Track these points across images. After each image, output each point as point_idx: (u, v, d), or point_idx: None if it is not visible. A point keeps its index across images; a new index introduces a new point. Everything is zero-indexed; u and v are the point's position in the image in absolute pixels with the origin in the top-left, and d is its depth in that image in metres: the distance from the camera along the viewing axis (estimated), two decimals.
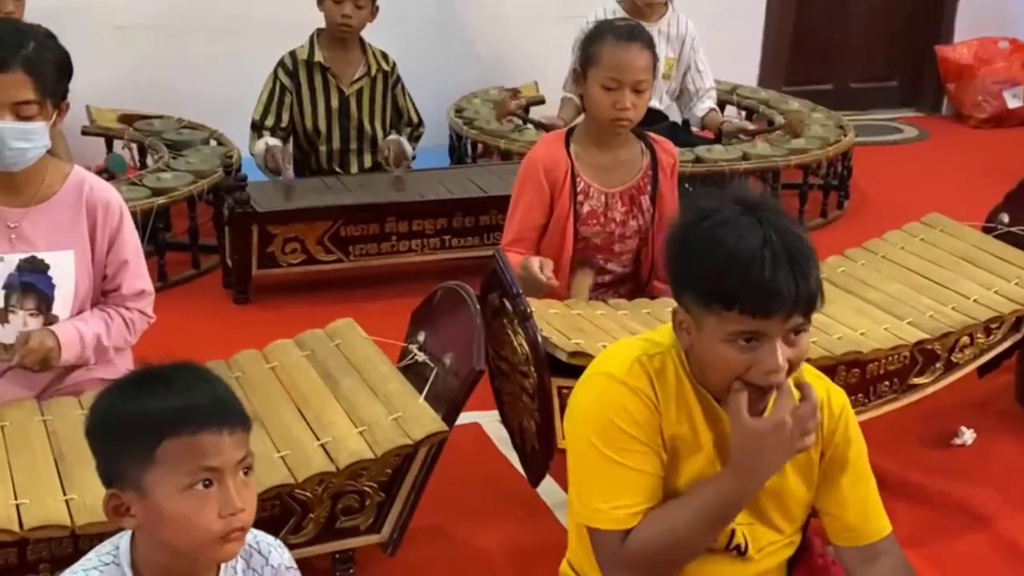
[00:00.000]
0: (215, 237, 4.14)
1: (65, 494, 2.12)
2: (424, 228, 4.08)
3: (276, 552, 1.79)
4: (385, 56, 4.45)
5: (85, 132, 4.58)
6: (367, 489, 2.40)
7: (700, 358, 1.82)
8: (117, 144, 4.61)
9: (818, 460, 1.93)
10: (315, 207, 3.93)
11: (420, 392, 2.42)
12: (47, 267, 2.53)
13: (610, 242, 3.15)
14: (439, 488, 2.54)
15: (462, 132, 4.92)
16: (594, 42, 3.03)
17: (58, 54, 2.46)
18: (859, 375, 2.80)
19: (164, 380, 1.64)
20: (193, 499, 1.57)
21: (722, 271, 1.72)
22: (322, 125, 4.33)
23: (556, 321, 2.63)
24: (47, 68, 2.41)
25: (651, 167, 3.16)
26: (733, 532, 1.90)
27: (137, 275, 2.65)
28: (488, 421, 3.17)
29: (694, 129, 5.10)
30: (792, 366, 1.78)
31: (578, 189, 3.08)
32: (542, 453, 2.58)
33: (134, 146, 4.60)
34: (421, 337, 2.57)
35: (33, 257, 2.51)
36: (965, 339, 2.95)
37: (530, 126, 4.89)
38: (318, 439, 2.31)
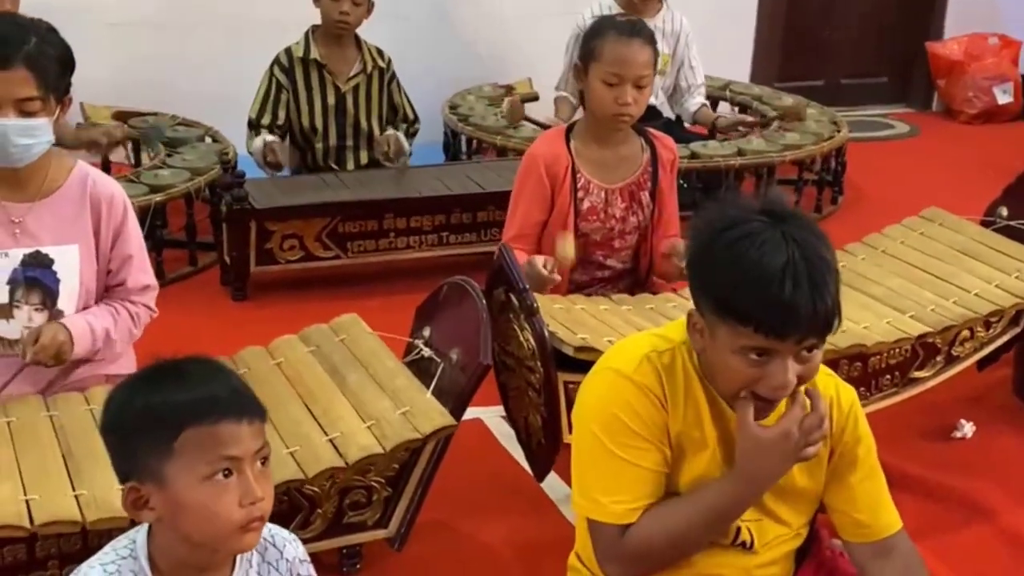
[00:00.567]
0: (212, 234, 4.13)
1: (74, 490, 2.12)
2: (422, 224, 4.08)
3: (291, 546, 1.80)
4: (381, 53, 4.44)
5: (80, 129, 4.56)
6: (374, 484, 2.40)
7: (711, 363, 1.82)
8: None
9: (827, 457, 1.93)
10: (313, 204, 3.93)
11: (427, 387, 2.42)
12: (52, 261, 2.52)
13: (610, 238, 3.15)
14: (443, 484, 2.54)
15: (457, 129, 4.92)
16: (596, 37, 3.04)
17: (60, 49, 2.45)
18: (861, 369, 2.82)
19: (180, 373, 1.65)
20: (214, 488, 1.58)
21: (741, 287, 1.70)
22: (318, 122, 4.33)
23: (561, 316, 2.64)
24: (49, 64, 2.41)
25: (651, 163, 3.17)
26: (739, 529, 1.91)
27: (142, 269, 2.65)
28: (490, 417, 3.17)
29: (686, 125, 5.12)
30: (801, 381, 1.78)
31: (578, 185, 3.09)
32: (548, 448, 2.59)
33: (129, 143, 4.58)
34: (427, 332, 2.57)
35: (38, 252, 2.51)
36: (965, 333, 2.96)
37: (526, 123, 4.90)
38: (326, 434, 2.31)
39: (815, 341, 1.74)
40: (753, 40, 6.52)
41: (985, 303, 2.93)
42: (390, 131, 4.40)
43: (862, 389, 2.82)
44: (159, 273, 3.92)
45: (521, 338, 2.54)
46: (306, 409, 2.40)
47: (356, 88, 4.35)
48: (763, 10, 6.49)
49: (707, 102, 5.10)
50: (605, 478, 1.85)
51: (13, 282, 2.51)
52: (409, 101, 4.54)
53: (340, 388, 2.46)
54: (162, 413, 1.59)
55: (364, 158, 4.44)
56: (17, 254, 2.50)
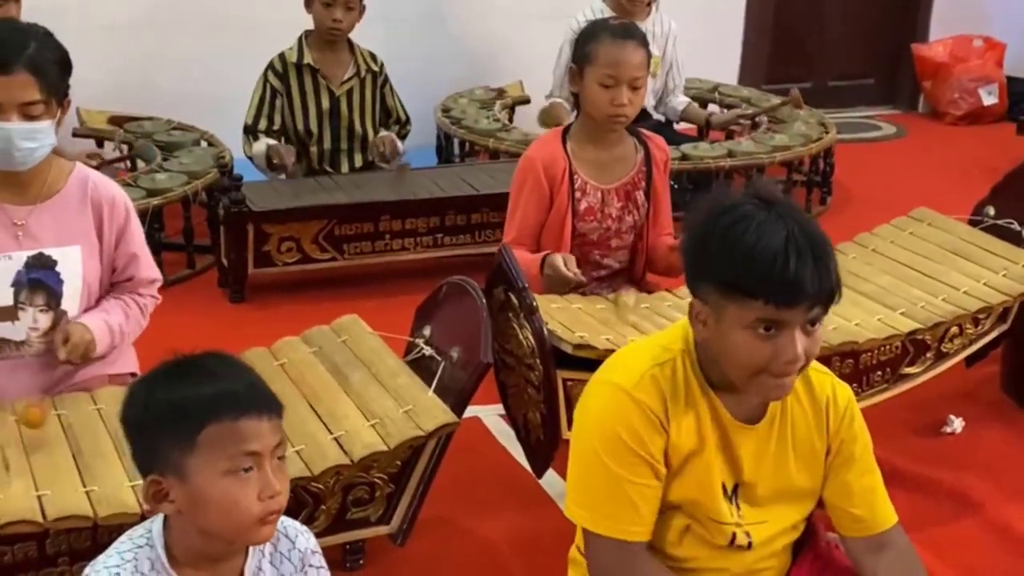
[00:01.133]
0: (209, 237, 4.16)
1: (85, 487, 2.15)
2: (417, 227, 4.12)
3: (303, 537, 1.84)
4: (373, 56, 4.49)
5: (76, 134, 4.60)
6: (377, 481, 2.44)
7: (718, 350, 1.84)
8: (108, 145, 4.63)
9: (824, 455, 1.97)
10: (310, 206, 3.97)
11: (428, 385, 2.46)
12: (54, 263, 2.55)
13: (606, 237, 3.20)
14: (443, 481, 2.58)
15: (450, 131, 4.97)
16: (590, 40, 3.08)
17: (58, 52, 2.48)
18: (852, 365, 2.87)
19: (201, 369, 1.70)
20: (234, 483, 1.63)
21: (746, 265, 1.74)
22: (313, 126, 4.37)
23: (559, 315, 2.68)
24: (50, 67, 2.43)
25: (645, 163, 3.21)
26: (735, 535, 1.93)
27: (147, 265, 2.70)
28: (488, 415, 3.22)
29: (673, 123, 5.17)
30: (808, 358, 1.81)
31: (576, 186, 3.13)
32: (547, 444, 2.63)
33: (124, 147, 4.61)
34: (427, 331, 2.62)
35: (40, 254, 2.54)
36: (954, 329, 3.02)
37: (517, 126, 4.95)
38: (331, 433, 2.35)
39: (820, 312, 1.78)
40: (741, 43, 6.58)
41: (974, 300, 2.99)
42: (384, 132, 4.44)
43: (854, 385, 2.87)
44: None
45: (520, 336, 2.58)
46: (310, 408, 2.44)
47: (350, 92, 4.39)
48: (751, 13, 6.55)
49: (690, 100, 5.17)
50: (603, 493, 1.88)
51: (17, 284, 2.53)
52: (401, 103, 4.59)
53: (343, 388, 2.50)
54: (184, 409, 1.63)
55: (358, 161, 4.48)
56: (20, 256, 2.53)
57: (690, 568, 1.97)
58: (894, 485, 2.81)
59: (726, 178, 4.70)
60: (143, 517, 2.08)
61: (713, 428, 1.90)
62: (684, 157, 4.59)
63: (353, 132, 4.43)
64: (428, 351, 2.57)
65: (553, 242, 3.13)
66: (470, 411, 3.03)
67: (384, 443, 2.32)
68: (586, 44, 3.09)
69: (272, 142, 4.24)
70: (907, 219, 3.39)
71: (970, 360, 3.25)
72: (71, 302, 2.58)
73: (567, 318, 2.67)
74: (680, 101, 5.06)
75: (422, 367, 2.56)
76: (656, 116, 5.07)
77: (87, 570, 1.72)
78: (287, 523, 1.83)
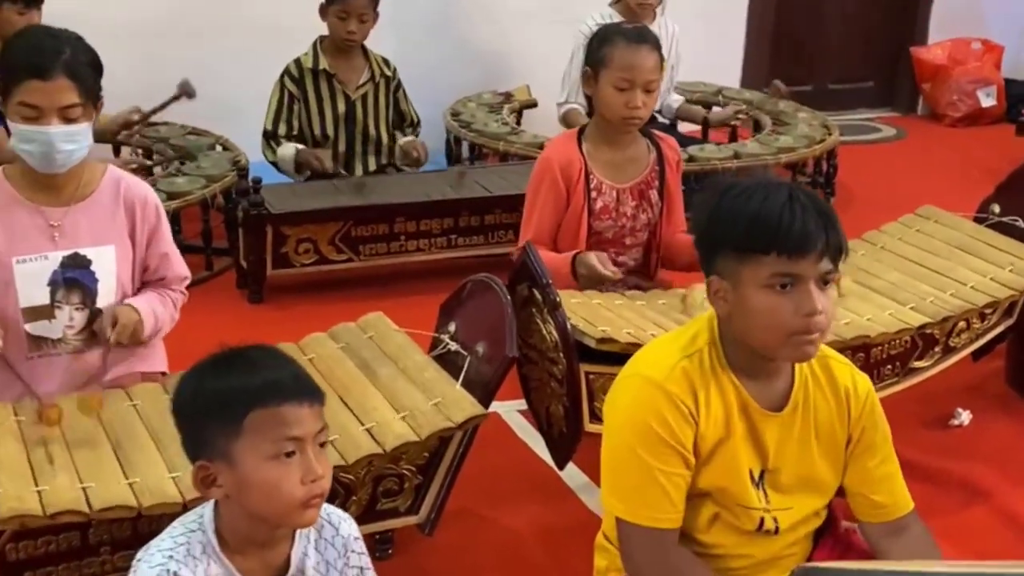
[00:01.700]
0: (227, 239, 4.23)
1: (127, 478, 2.21)
2: (431, 228, 4.20)
3: (346, 524, 1.92)
4: (387, 62, 4.57)
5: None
6: (406, 472, 2.51)
7: (741, 321, 1.90)
8: (125, 150, 4.69)
9: (844, 443, 2.04)
10: (327, 208, 4.04)
11: (456, 379, 2.53)
12: (89, 262, 2.62)
13: (621, 235, 3.27)
14: (466, 474, 2.64)
15: (460, 135, 5.04)
16: (605, 44, 3.16)
17: (91, 55, 2.55)
18: (864, 359, 2.94)
19: (247, 359, 1.78)
20: (278, 467, 1.70)
21: (754, 222, 1.84)
22: (329, 130, 4.44)
23: (580, 310, 2.75)
24: (85, 71, 2.51)
25: (658, 163, 3.29)
26: (763, 519, 2.00)
27: (178, 263, 2.78)
28: (507, 411, 3.29)
29: (666, 120, 5.25)
30: (829, 320, 1.88)
31: (591, 186, 3.20)
32: (570, 436, 2.70)
33: (140, 151, 4.68)
34: (452, 327, 2.68)
35: (76, 253, 2.60)
36: (962, 324, 3.10)
37: (525, 131, 5.03)
38: (362, 424, 2.41)
39: (830, 268, 1.86)
40: (743, 47, 6.65)
41: (981, 295, 3.06)
42: (410, 137, 4.52)
43: None
44: None
45: (544, 331, 2.65)
46: (341, 401, 2.50)
47: (364, 96, 4.47)
48: (752, 18, 6.64)
49: (683, 98, 5.27)
50: (637, 482, 1.94)
51: (53, 283, 2.60)
52: (412, 106, 4.66)
53: (372, 382, 2.56)
54: (230, 396, 1.71)
55: (372, 164, 4.56)
56: (57, 256, 2.59)
57: (717, 554, 2.04)
58: (905, 475, 2.88)
59: (704, 189, 4.79)
60: (185, 507, 2.15)
61: (740, 416, 1.97)
62: (691, 159, 4.67)
63: (368, 136, 4.51)
64: (454, 346, 2.63)
65: (569, 241, 3.20)
66: (490, 407, 3.12)
67: (415, 434, 2.38)
68: (600, 48, 3.16)
69: (301, 147, 4.32)
70: (914, 216, 3.47)
71: (977, 354, 3.33)
72: (106, 300, 2.64)
73: (588, 313, 2.75)
74: (675, 99, 5.18)
75: (447, 362, 2.63)
76: (661, 120, 5.15)
77: (140, 553, 1.79)
78: (331, 510, 1.91)
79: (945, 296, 3.04)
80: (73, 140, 2.50)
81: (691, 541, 2.03)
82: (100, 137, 2.66)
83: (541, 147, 4.69)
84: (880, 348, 2.96)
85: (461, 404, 2.45)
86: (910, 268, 3.19)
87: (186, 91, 4.30)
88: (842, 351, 2.75)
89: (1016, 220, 3.34)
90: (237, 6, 5.38)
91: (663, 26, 4.98)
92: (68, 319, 2.63)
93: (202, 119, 4.86)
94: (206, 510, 1.81)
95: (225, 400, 1.71)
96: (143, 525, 2.22)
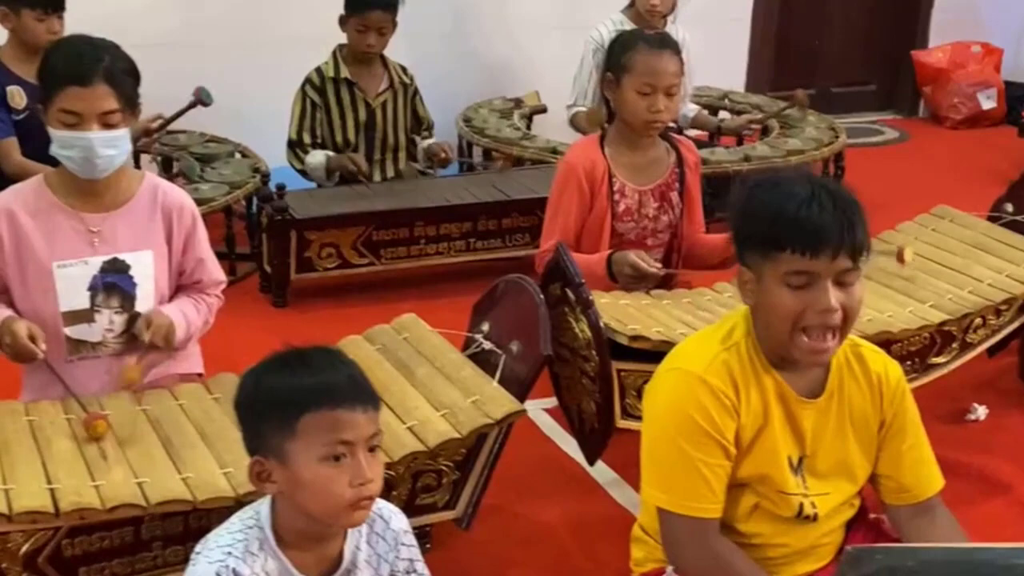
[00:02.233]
0: (249, 245, 4.30)
1: (180, 474, 2.27)
2: (451, 231, 4.27)
3: (396, 518, 1.97)
4: (404, 69, 4.63)
5: None
6: (444, 468, 2.56)
7: (763, 313, 1.97)
8: (144, 158, 4.75)
9: (877, 429, 2.10)
10: (350, 213, 4.10)
11: (492, 377, 2.59)
12: (128, 267, 2.67)
13: (643, 237, 3.33)
14: (497, 470, 2.68)
15: (473, 140, 5.11)
16: (627, 50, 3.22)
17: (129, 62, 2.61)
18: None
19: (305, 360, 1.83)
20: (328, 468, 1.75)
21: (773, 217, 1.91)
22: (351, 137, 4.50)
23: (609, 310, 2.82)
24: (124, 78, 2.57)
25: (677, 165, 3.36)
26: (802, 504, 2.06)
27: (214, 268, 2.83)
28: (534, 408, 3.35)
29: (683, 129, 5.32)
30: (846, 314, 1.93)
31: (614, 188, 3.26)
32: (601, 432, 2.77)
33: (159, 158, 4.74)
34: (485, 327, 2.75)
35: (115, 259, 2.66)
36: (978, 320, 3.16)
37: (539, 136, 5.10)
38: (404, 422, 2.47)
39: (849, 265, 1.89)
40: (747, 51, 6.73)
41: (997, 291, 3.14)
42: (434, 140, 4.59)
43: None
44: None
45: (576, 329, 2.72)
46: (382, 401, 2.55)
47: (384, 104, 4.53)
48: (756, 22, 6.72)
49: (699, 107, 5.33)
50: (679, 473, 2.00)
51: (93, 288, 2.65)
52: (427, 110, 4.73)
53: (410, 381, 2.62)
54: (287, 396, 1.77)
55: (391, 170, 4.62)
56: (96, 262, 2.64)
57: (756, 543, 2.09)
58: None
59: (742, 182, 4.85)
60: (237, 501, 2.22)
61: (777, 403, 2.03)
62: (703, 162, 4.72)
63: (387, 143, 4.57)
64: (488, 345, 2.70)
65: (592, 243, 3.26)
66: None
67: (456, 431, 2.44)
68: (622, 54, 3.23)
69: (332, 153, 4.39)
70: (929, 216, 3.54)
71: (992, 350, 3.40)
72: (144, 304, 2.69)
73: (617, 312, 2.81)
74: (690, 108, 5.22)
75: (481, 361, 2.68)
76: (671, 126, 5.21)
77: (198, 547, 1.85)
78: (381, 505, 1.95)
79: (963, 293, 3.11)
80: (113, 145, 2.55)
81: (730, 530, 2.09)
82: None
83: (554, 151, 4.80)
84: (900, 344, 3.02)
85: (499, 401, 2.51)
86: (927, 266, 3.26)
87: (201, 99, 4.37)
88: None
89: None
90: (253, 17, 5.44)
91: (675, 33, 5.03)
92: (108, 323, 2.68)
93: (220, 127, 4.92)
94: (263, 506, 1.86)
95: (281, 400, 1.76)
96: (193, 520, 2.28)
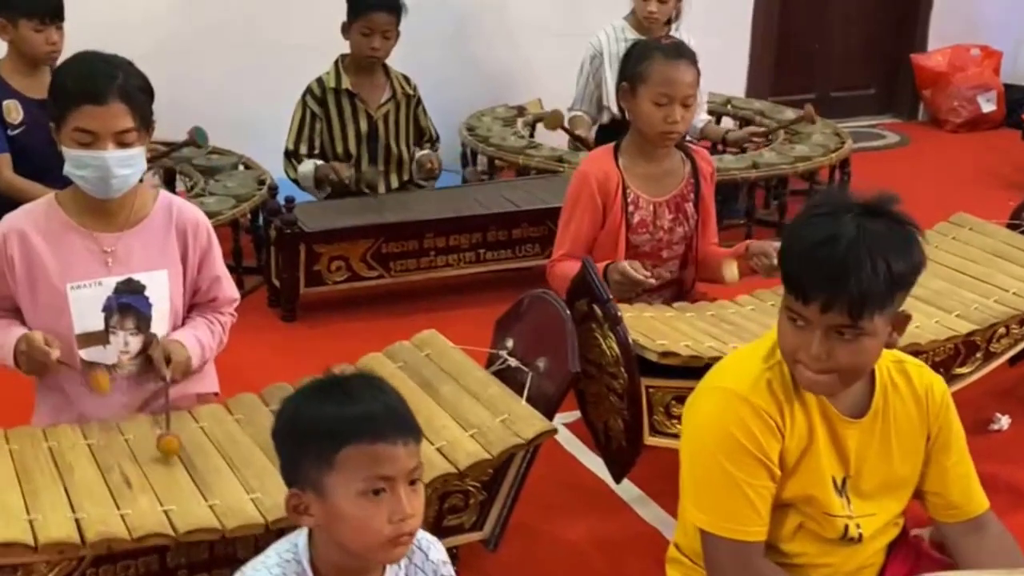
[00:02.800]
0: (256, 258, 4.24)
1: (207, 500, 2.22)
2: (460, 243, 4.21)
3: (435, 549, 1.92)
4: (407, 79, 4.58)
5: None
6: (471, 488, 2.51)
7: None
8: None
9: (923, 444, 2.07)
10: (360, 226, 4.05)
11: (519, 395, 2.55)
12: (143, 287, 2.62)
13: (658, 249, 3.30)
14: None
15: (477, 149, 5.06)
16: (643, 60, 3.18)
17: (143, 79, 2.55)
18: None
19: (345, 389, 1.77)
20: (367, 504, 1.69)
21: (788, 245, 1.89)
22: (352, 148, 4.44)
23: (635, 324, 2.77)
24: (139, 95, 2.51)
25: (692, 175, 3.32)
26: (847, 527, 2.03)
27: (228, 285, 2.78)
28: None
29: (691, 139, 5.29)
30: (842, 367, 1.87)
31: (628, 200, 3.23)
32: (629, 450, 2.73)
33: (162, 171, 4.68)
34: (510, 343, 2.70)
35: (130, 279, 2.60)
36: (1002, 329, 3.14)
37: (541, 142, 5.06)
38: (432, 443, 2.42)
39: (844, 321, 1.82)
40: (748, 57, 6.71)
41: (1023, 300, 3.10)
42: (427, 151, 4.53)
43: None
44: None
45: (604, 346, 2.67)
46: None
47: (387, 115, 4.47)
48: (756, 28, 6.69)
49: (711, 117, 5.30)
50: (723, 495, 1.96)
51: (108, 309, 2.59)
52: (431, 122, 4.68)
53: (436, 400, 2.57)
54: (325, 428, 1.71)
55: (395, 182, 4.56)
56: (110, 282, 2.59)
57: (800, 564, 2.06)
58: None
59: (749, 190, 4.83)
60: (267, 528, 2.17)
61: (821, 422, 2.00)
62: None
63: (390, 154, 4.51)
64: (513, 362, 2.65)
65: (608, 255, 3.21)
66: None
67: (486, 451, 2.39)
68: (638, 64, 3.19)
69: (319, 162, 4.33)
70: (949, 224, 3.51)
71: (1014, 359, 3.36)
72: (160, 325, 2.64)
73: (643, 327, 2.77)
74: (701, 119, 5.17)
75: (506, 378, 2.64)
76: None
77: None
78: (420, 535, 1.89)
79: (989, 302, 3.08)
80: (128, 164, 2.50)
81: (774, 551, 2.05)
82: None
83: (560, 160, 4.76)
84: (925, 356, 2.99)
85: (529, 420, 2.46)
86: (951, 275, 3.23)
87: (195, 140, 4.37)
88: None
89: None
90: (253, 26, 5.38)
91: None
92: (123, 344, 2.62)
93: (220, 138, 4.86)
94: (300, 539, 1.81)
95: (320, 432, 1.71)
96: (220, 547, 2.23)
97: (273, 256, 4.05)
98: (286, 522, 2.14)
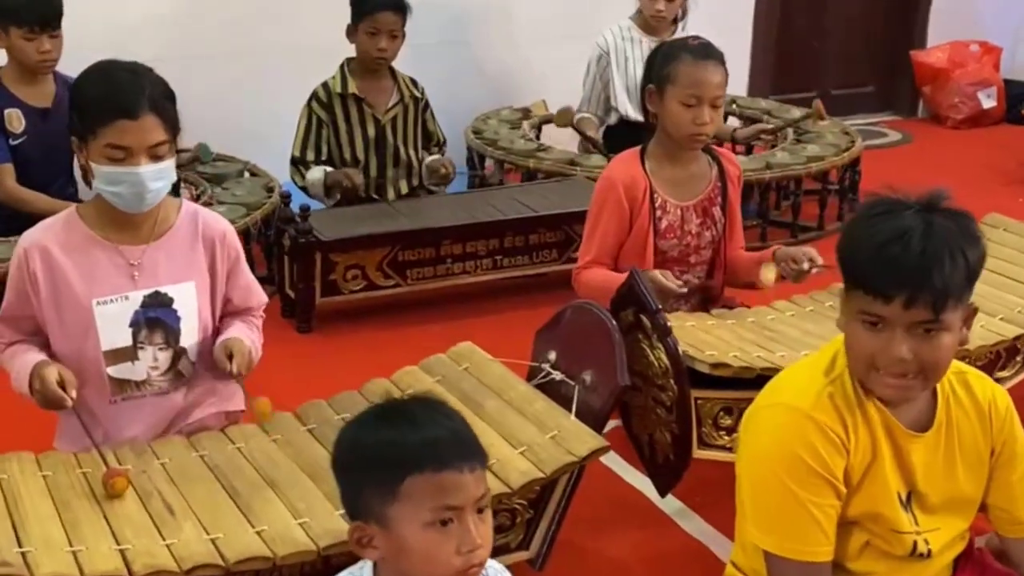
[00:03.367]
0: (266, 267, 4.15)
1: (254, 527, 2.13)
2: (477, 249, 4.13)
3: None
4: (414, 82, 4.49)
5: None
6: (518, 507, 2.44)
7: (846, 346, 1.90)
8: None
9: (987, 459, 2.02)
10: (376, 234, 3.96)
11: (568, 410, 2.47)
12: (171, 300, 2.54)
13: (686, 254, 3.23)
14: None
15: (484, 153, 4.98)
16: (670, 61, 3.11)
17: (165, 86, 2.47)
18: None
19: (407, 415, 1.70)
20: (434, 535, 1.63)
21: (853, 251, 1.83)
22: (360, 154, 4.35)
23: (680, 334, 2.69)
24: (166, 104, 2.42)
25: (719, 178, 3.26)
26: (916, 543, 1.97)
27: (258, 292, 2.72)
28: None
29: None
30: (925, 366, 1.83)
31: (656, 204, 3.16)
32: (677, 463, 2.66)
33: None
34: (552, 356, 2.62)
35: (157, 292, 2.52)
36: None
37: (555, 146, 4.98)
38: None
39: (927, 316, 1.78)
40: (749, 56, 6.66)
41: None
42: (436, 155, 4.45)
43: None
44: None
45: (652, 357, 2.60)
46: None
47: (394, 119, 4.38)
48: (757, 27, 6.64)
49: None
50: (788, 515, 1.90)
51: (135, 324, 2.51)
52: (439, 126, 4.60)
53: (479, 416, 2.48)
54: (388, 458, 1.64)
55: (404, 187, 4.47)
56: (137, 296, 2.50)
57: None
58: None
59: (763, 190, 4.78)
60: (319, 554, 2.08)
61: (885, 437, 1.94)
62: None
63: (399, 159, 4.42)
64: (558, 376, 2.58)
65: (635, 261, 3.14)
66: None
67: (539, 470, 2.31)
68: (665, 65, 3.12)
69: (329, 169, 4.24)
70: (982, 225, 3.41)
71: None
72: (189, 338, 2.57)
73: (689, 337, 2.70)
74: None
75: (550, 392, 2.56)
76: None
77: None
78: (488, 563, 1.82)
79: None
80: (161, 178, 2.42)
81: (841, 570, 2.00)
82: None
83: (571, 163, 4.68)
84: (968, 361, 2.93)
85: (581, 437, 2.38)
86: (990, 278, 3.17)
87: (199, 156, 4.32)
88: None
89: None
90: (255, 30, 5.29)
91: None
92: (152, 360, 2.55)
93: (223, 144, 4.77)
94: (364, 570, 1.75)
95: (381, 461, 1.65)
96: (265, 574, 2.14)
97: (287, 266, 3.95)
98: (337, 548, 2.07)
